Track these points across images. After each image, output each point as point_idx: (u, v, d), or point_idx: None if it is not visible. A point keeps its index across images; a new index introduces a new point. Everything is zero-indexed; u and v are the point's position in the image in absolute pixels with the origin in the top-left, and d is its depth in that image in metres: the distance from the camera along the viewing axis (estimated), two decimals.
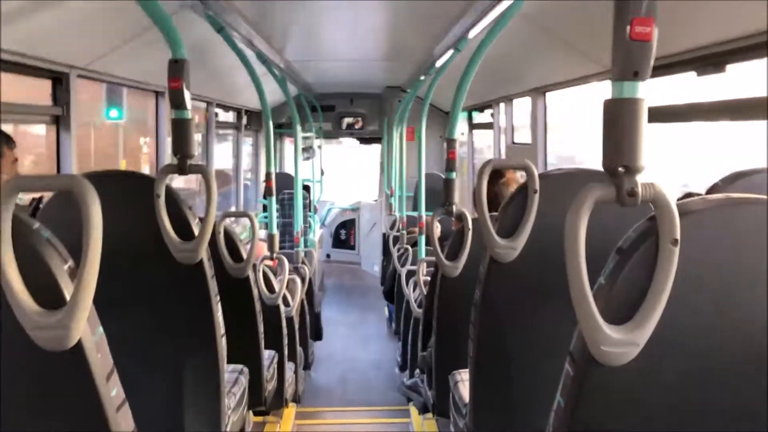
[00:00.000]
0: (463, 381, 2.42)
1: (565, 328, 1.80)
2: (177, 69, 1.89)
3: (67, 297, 1.10)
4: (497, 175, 2.84)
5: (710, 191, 1.85)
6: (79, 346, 1.12)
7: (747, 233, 1.02)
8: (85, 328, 1.12)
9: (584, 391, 1.06)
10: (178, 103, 1.90)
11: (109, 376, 1.19)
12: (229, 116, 6.99)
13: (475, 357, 1.94)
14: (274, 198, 3.91)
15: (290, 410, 4.42)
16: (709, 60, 2.47)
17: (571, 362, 1.08)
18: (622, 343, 1.00)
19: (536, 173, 1.79)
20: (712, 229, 1.02)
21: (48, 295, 1.10)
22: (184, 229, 1.87)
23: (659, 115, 2.68)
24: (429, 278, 3.55)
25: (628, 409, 1.07)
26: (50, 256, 1.11)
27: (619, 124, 1.01)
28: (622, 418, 1.07)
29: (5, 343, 1.13)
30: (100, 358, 1.17)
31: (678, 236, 0.98)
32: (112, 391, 1.20)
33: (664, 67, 2.60)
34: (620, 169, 1.01)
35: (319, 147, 9.11)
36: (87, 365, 1.14)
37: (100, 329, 1.19)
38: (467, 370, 2.30)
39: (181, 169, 1.89)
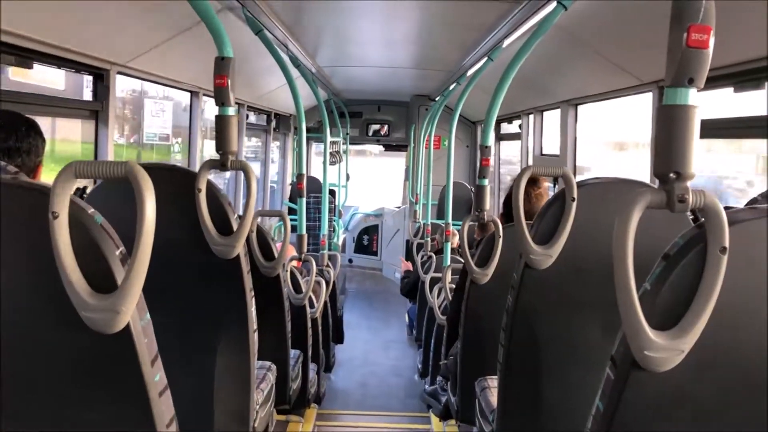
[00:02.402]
0: (490, 387, 2.42)
1: (596, 336, 1.81)
2: (223, 66, 1.92)
3: (119, 282, 1.13)
4: (531, 185, 2.84)
5: (749, 205, 1.84)
6: (127, 329, 1.15)
7: None
8: (134, 313, 1.15)
9: (625, 396, 1.06)
10: (222, 100, 1.93)
11: (153, 361, 1.22)
12: (257, 119, 7.06)
13: (505, 363, 1.94)
14: (304, 199, 3.94)
15: (312, 411, 4.43)
16: (748, 76, 2.46)
17: (613, 367, 1.09)
18: (666, 348, 1.00)
19: (574, 181, 1.79)
20: (761, 239, 1.02)
21: (100, 278, 1.13)
22: (223, 224, 1.90)
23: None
24: (453, 285, 3.56)
25: (669, 415, 1.07)
26: (104, 241, 1.13)
27: (671, 131, 1.02)
28: (662, 424, 1.07)
29: (57, 323, 1.16)
30: (146, 343, 1.19)
31: (727, 244, 0.98)
32: (156, 376, 1.22)
33: None
34: (671, 175, 1.02)
35: (345, 152, 9.16)
36: (134, 349, 1.17)
37: (147, 315, 1.21)
38: (494, 376, 2.30)
39: (223, 164, 1.92)
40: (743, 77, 2.49)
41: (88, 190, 1.93)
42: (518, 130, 5.96)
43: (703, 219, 1.02)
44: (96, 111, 3.15)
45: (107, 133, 3.18)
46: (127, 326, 1.14)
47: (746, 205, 1.80)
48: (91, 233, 1.12)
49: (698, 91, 1.03)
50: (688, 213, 1.09)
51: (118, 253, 1.15)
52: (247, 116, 6.02)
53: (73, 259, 1.10)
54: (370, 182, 13.30)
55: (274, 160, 8.20)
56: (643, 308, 1.02)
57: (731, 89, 2.58)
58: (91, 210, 1.14)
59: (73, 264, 1.10)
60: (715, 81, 2.56)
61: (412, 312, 6.58)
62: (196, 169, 1.92)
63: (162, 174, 1.88)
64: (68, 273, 1.10)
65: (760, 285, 1.02)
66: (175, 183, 1.89)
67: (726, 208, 1.03)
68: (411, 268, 6.62)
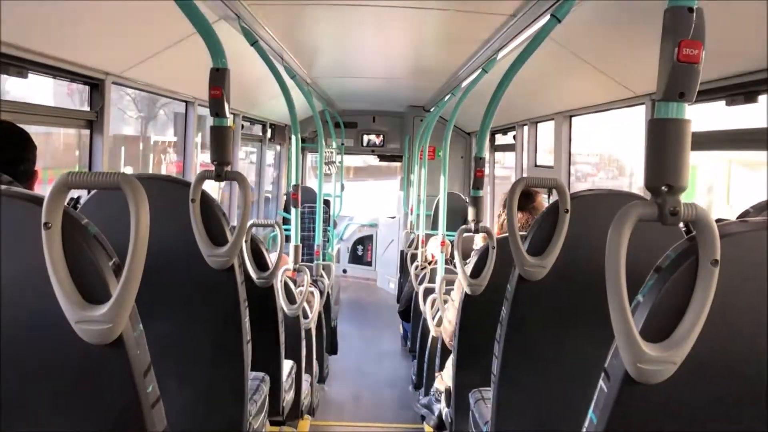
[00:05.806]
0: (483, 399, 2.42)
1: (591, 347, 1.81)
2: (218, 77, 1.93)
3: (112, 292, 1.13)
4: (528, 198, 2.85)
5: (741, 218, 1.85)
6: (120, 341, 1.14)
7: None
8: (127, 324, 1.15)
9: (618, 409, 1.06)
10: (218, 111, 1.93)
11: (146, 372, 1.21)
12: (253, 129, 7.07)
13: (499, 375, 1.94)
14: (299, 210, 3.94)
15: (305, 422, 4.41)
16: (740, 89, 2.48)
17: (606, 379, 1.09)
18: (659, 361, 1.01)
19: (568, 192, 1.80)
20: (752, 251, 1.03)
21: (93, 289, 1.13)
22: (217, 234, 1.90)
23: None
24: (447, 297, 3.55)
25: (662, 427, 1.07)
26: (97, 252, 1.13)
27: (663, 144, 1.03)
28: None
29: (50, 334, 1.15)
30: (138, 354, 1.19)
31: (718, 257, 0.99)
32: (149, 388, 1.22)
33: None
34: (663, 188, 1.03)
35: (341, 163, 9.17)
36: (127, 360, 1.16)
37: (140, 326, 1.21)
38: (488, 388, 2.29)
39: (218, 175, 1.93)
40: (735, 91, 2.50)
41: (82, 200, 1.92)
42: (513, 141, 5.98)
43: (694, 232, 1.03)
44: (91, 121, 3.15)
45: (102, 143, 3.18)
46: (120, 337, 1.14)
47: (738, 217, 1.81)
48: (84, 244, 1.12)
49: (689, 104, 1.04)
50: (681, 225, 1.10)
51: (111, 263, 1.15)
52: (243, 126, 6.03)
53: (65, 269, 1.10)
54: (365, 193, 13.21)
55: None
56: (635, 320, 1.02)
57: (723, 102, 2.60)
58: (84, 221, 1.14)
59: (66, 275, 1.10)
60: (707, 94, 2.58)
61: (406, 323, 6.56)
62: (191, 179, 1.92)
63: (156, 184, 1.88)
64: (60, 284, 1.10)
65: (752, 297, 1.03)
66: (169, 193, 1.90)
67: (717, 220, 1.04)
68: None
